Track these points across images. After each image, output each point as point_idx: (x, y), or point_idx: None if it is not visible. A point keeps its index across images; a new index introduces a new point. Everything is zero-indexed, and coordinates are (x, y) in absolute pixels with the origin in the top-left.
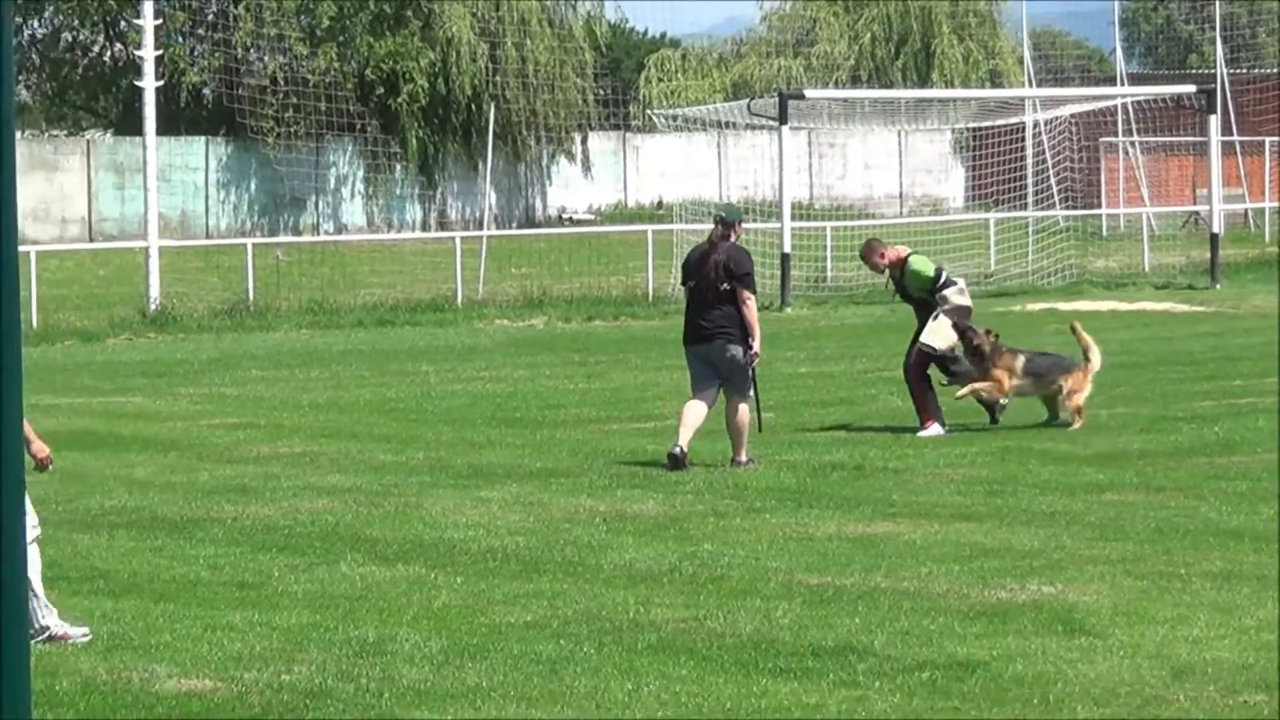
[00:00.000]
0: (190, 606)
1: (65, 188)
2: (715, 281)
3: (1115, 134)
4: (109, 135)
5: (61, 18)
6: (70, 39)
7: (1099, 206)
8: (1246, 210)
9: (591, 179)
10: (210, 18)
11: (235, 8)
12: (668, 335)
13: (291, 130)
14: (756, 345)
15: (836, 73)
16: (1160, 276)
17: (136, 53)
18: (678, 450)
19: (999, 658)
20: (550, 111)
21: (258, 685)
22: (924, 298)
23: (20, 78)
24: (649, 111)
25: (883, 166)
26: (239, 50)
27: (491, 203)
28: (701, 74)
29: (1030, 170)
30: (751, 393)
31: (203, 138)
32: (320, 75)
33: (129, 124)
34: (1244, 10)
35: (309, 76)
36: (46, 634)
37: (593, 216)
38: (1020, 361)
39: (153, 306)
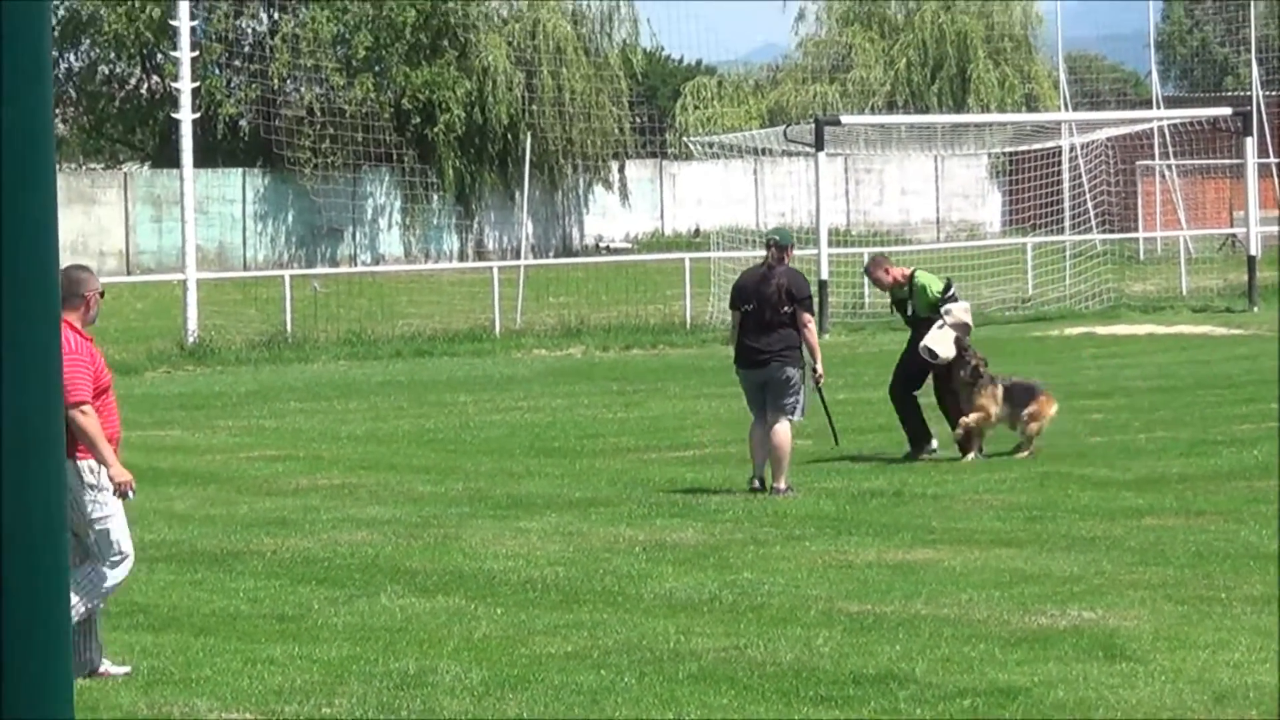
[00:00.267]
0: (230, 640)
1: (103, 221)
2: (777, 305)
3: (1152, 157)
4: (146, 168)
5: (98, 51)
6: (107, 72)
7: (1136, 230)
8: None
9: (629, 207)
10: (247, 49)
11: (272, 39)
12: (705, 363)
13: (328, 161)
14: (820, 367)
15: (872, 98)
16: (1198, 299)
17: (173, 85)
18: (757, 484)
19: (1040, 684)
20: (586, 140)
21: (298, 719)
22: (930, 315)
23: (57, 111)
24: (685, 139)
25: (919, 192)
26: (275, 81)
27: (528, 232)
28: (737, 101)
29: (1067, 194)
30: (796, 416)
31: (240, 169)
32: (357, 106)
33: (166, 156)
34: (1279, 33)
35: (345, 107)
36: (90, 668)
37: (630, 245)
38: (1000, 390)
39: (191, 339)
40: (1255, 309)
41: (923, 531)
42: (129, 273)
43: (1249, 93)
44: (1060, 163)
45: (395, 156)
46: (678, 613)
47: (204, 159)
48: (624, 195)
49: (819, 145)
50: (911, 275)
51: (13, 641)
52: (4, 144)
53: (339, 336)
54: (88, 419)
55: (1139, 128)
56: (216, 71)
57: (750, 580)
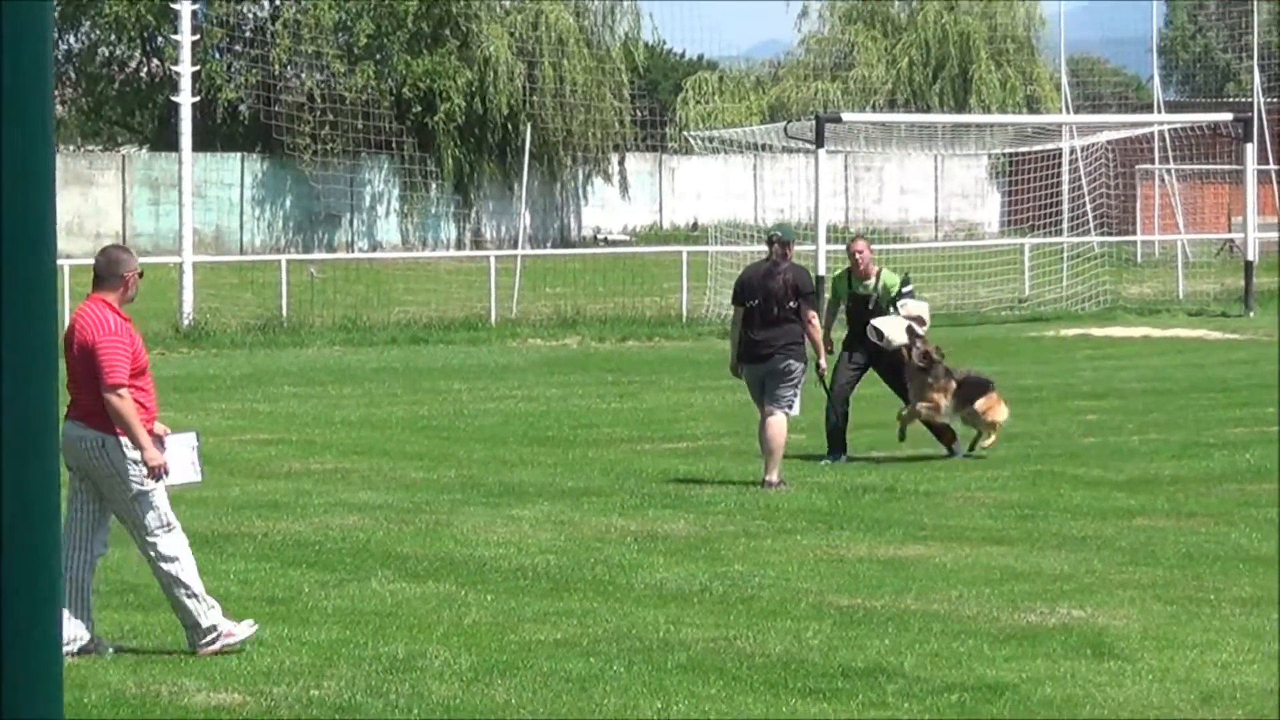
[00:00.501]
0: None
1: (100, 202)
2: (783, 300)
3: (1152, 161)
4: (144, 151)
5: (98, 33)
6: (107, 54)
7: (1134, 233)
8: None
9: (628, 200)
10: (248, 34)
11: (273, 25)
12: (701, 356)
13: (327, 147)
14: (824, 361)
15: (874, 97)
16: (1194, 303)
17: (173, 68)
18: (782, 486)
19: (1028, 681)
20: (586, 132)
21: (287, 700)
22: (885, 311)
23: (56, 92)
24: (685, 133)
25: (919, 191)
26: (276, 67)
27: (526, 222)
28: (738, 96)
29: (1066, 196)
30: (794, 411)
31: (238, 154)
32: (357, 93)
33: (164, 139)
34: None
35: (346, 94)
36: (215, 634)
37: (628, 237)
38: (953, 383)
39: (186, 322)
40: (1251, 314)
41: (914, 527)
42: None
43: (1250, 99)
44: (1060, 165)
45: (394, 144)
46: (668, 603)
47: (203, 143)
48: (623, 188)
49: (819, 142)
50: (879, 271)
51: (4, 642)
52: (3, 130)
53: (334, 322)
54: (123, 402)
55: (1139, 131)
56: (217, 56)
57: (741, 572)
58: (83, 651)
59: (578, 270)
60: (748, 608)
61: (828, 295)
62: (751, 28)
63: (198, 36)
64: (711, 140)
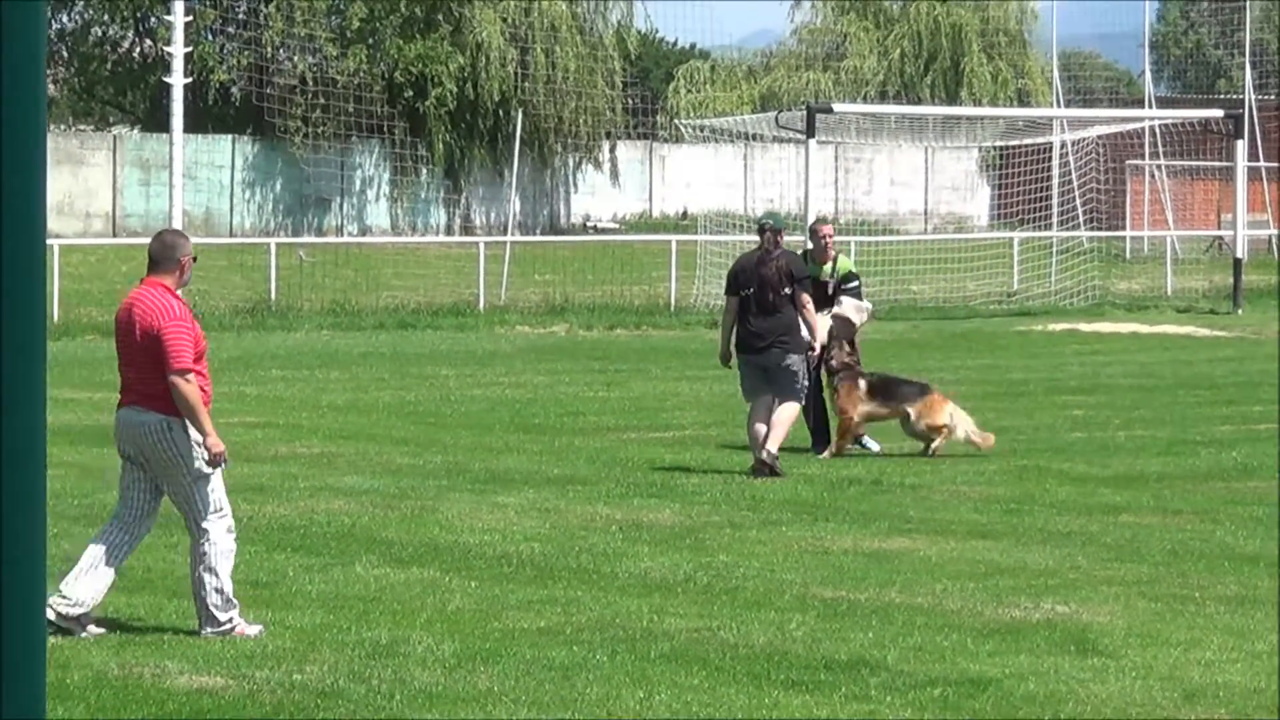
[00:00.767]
0: None
1: (90, 182)
2: (777, 286)
3: (1142, 156)
4: (136, 131)
5: (91, 12)
6: (100, 34)
7: (1123, 228)
8: (1271, 236)
9: (618, 187)
10: (240, 16)
11: (266, 7)
12: (689, 346)
13: (319, 131)
14: (818, 345)
15: (865, 88)
16: (1182, 300)
17: (166, 49)
18: (776, 470)
19: (1011, 676)
20: (578, 119)
21: (269, 684)
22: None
23: (48, 71)
24: (677, 121)
25: (908, 183)
26: (268, 49)
27: (516, 209)
28: (730, 86)
29: (1056, 190)
30: (802, 400)
31: (229, 136)
32: (349, 77)
33: (156, 120)
34: (1273, 37)
35: (338, 77)
36: (230, 628)
37: (617, 225)
38: (862, 387)
39: None
40: (1239, 311)
41: (900, 521)
42: (115, 235)
43: (1241, 96)
44: (1050, 159)
45: (385, 129)
46: (652, 592)
47: (194, 124)
48: (613, 176)
49: (810, 132)
50: (836, 255)
51: None
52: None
53: (323, 306)
54: (189, 387)
55: (1130, 127)
56: (209, 37)
57: (725, 563)
58: (71, 619)
59: (567, 258)
60: (732, 598)
61: None
62: (744, 17)
63: (190, 18)
64: (702, 129)
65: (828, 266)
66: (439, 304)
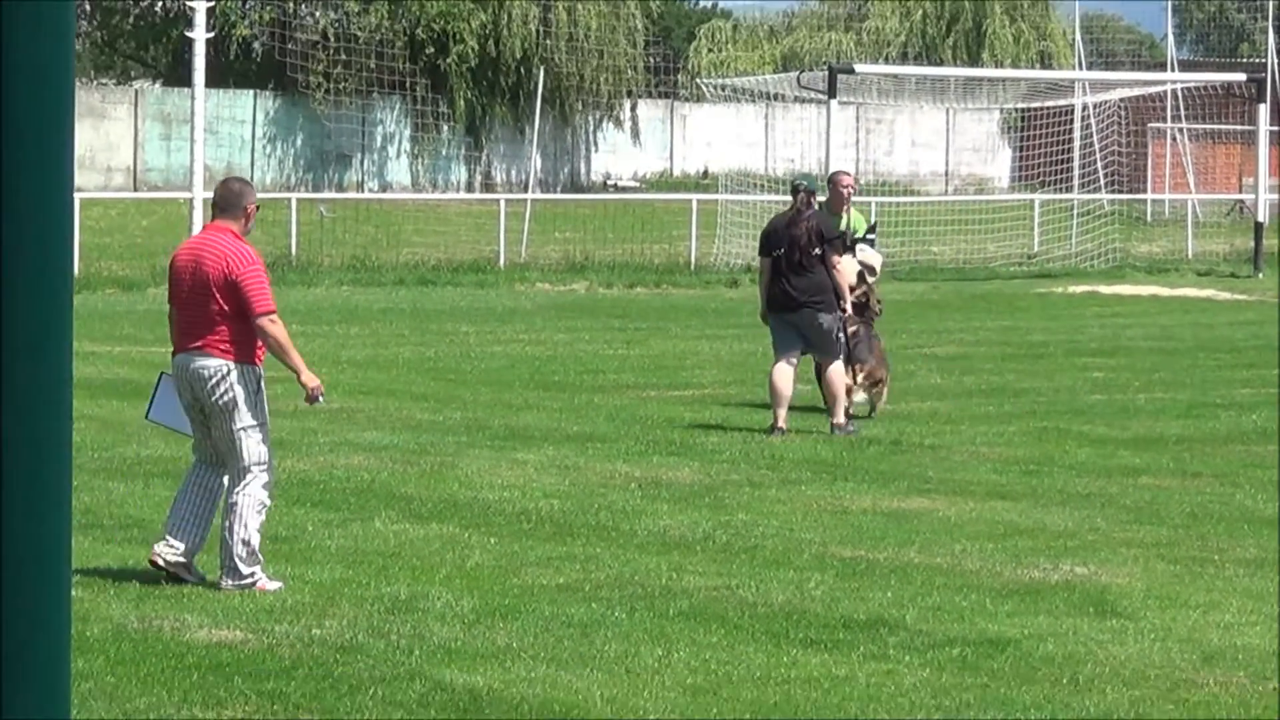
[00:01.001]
0: None
1: (111, 136)
2: (808, 246)
3: (1164, 120)
4: (157, 85)
5: None
6: None
7: (1144, 191)
8: None
9: (638, 146)
10: None
11: None
12: (708, 304)
13: (340, 87)
14: (848, 306)
15: (887, 49)
16: (1203, 263)
17: (188, 4)
18: (778, 433)
19: (1030, 636)
20: (599, 77)
21: (288, 638)
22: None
23: None
24: (698, 80)
25: (930, 144)
26: (290, 4)
27: (537, 166)
28: (752, 45)
29: (1077, 153)
30: (840, 357)
31: (251, 91)
32: (371, 33)
33: (178, 75)
34: None
35: (359, 33)
36: (252, 581)
37: (638, 184)
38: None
39: None
40: (1260, 275)
41: (919, 481)
42: (136, 189)
43: (1264, 60)
44: (1072, 121)
45: (407, 85)
46: (671, 550)
47: (215, 79)
48: (634, 134)
49: (831, 93)
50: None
51: (11, 639)
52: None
53: (343, 262)
54: (277, 327)
55: (1152, 90)
56: None
57: (744, 521)
58: (179, 565)
59: (587, 216)
60: (750, 557)
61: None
62: None
63: None
64: (724, 88)
65: (843, 218)
66: (459, 261)
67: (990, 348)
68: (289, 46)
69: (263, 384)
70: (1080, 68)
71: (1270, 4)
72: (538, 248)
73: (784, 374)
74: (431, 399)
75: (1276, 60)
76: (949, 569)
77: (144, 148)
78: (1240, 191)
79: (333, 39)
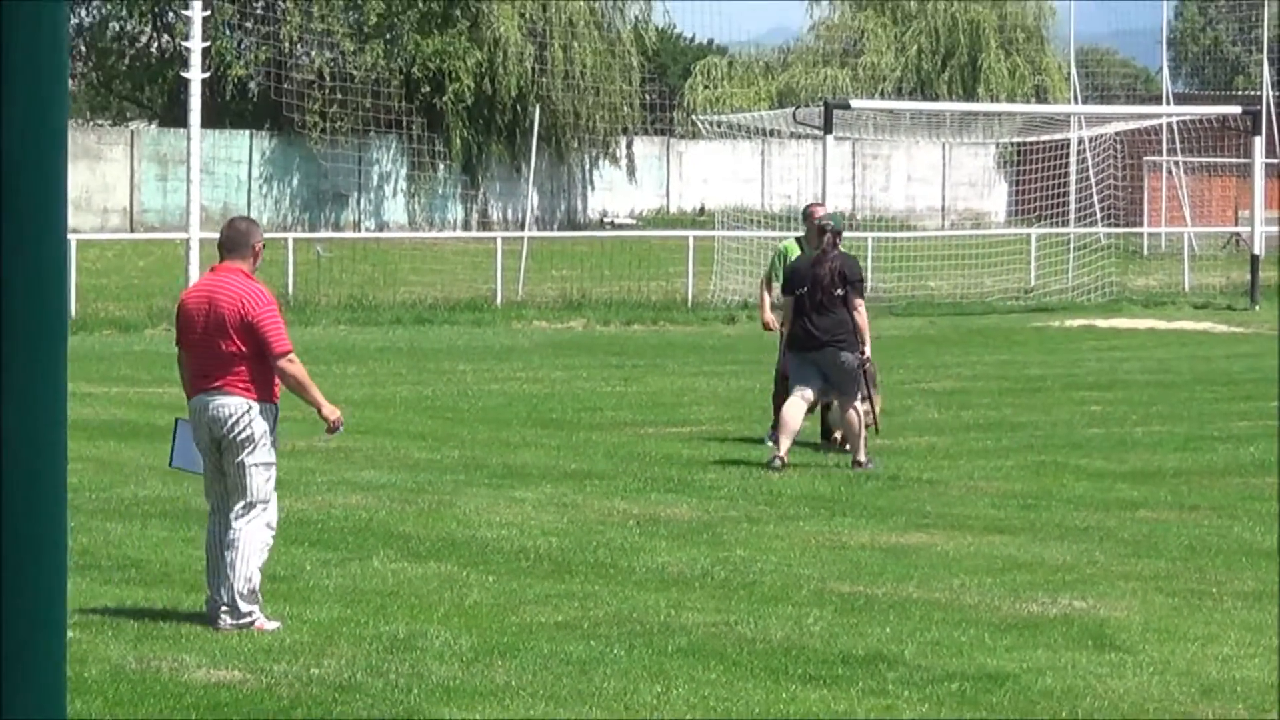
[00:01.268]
0: None
1: (108, 177)
2: (830, 287)
3: (1159, 153)
4: (153, 126)
5: (109, 7)
6: (118, 29)
7: (1141, 225)
8: None
9: (635, 183)
10: (258, 11)
11: (284, 2)
12: (705, 341)
13: (336, 126)
14: (868, 350)
15: (882, 84)
16: (1200, 296)
17: (183, 44)
18: (778, 462)
19: (1028, 670)
20: (595, 114)
21: (287, 678)
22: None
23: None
24: (694, 117)
25: (926, 179)
26: (286, 45)
27: (534, 204)
28: (747, 82)
29: (1073, 187)
30: (860, 398)
31: (247, 131)
32: (366, 72)
33: (173, 115)
34: None
35: (355, 73)
36: (251, 620)
37: (634, 221)
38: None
39: None
40: (1257, 307)
41: (917, 516)
42: (132, 230)
43: (1259, 92)
44: (1068, 155)
45: (403, 124)
46: (669, 587)
47: (212, 119)
48: (630, 171)
49: (827, 128)
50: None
51: (7, 642)
52: (17, 103)
53: (340, 301)
54: (295, 366)
55: (1148, 123)
56: (227, 32)
57: (743, 558)
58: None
59: (584, 253)
60: (749, 593)
61: (767, 272)
62: (761, 13)
63: (209, 12)
64: (720, 125)
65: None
66: (456, 299)
67: (987, 382)
68: (285, 86)
69: (277, 422)
70: (1076, 101)
71: (1265, 37)
72: (535, 285)
73: (796, 407)
74: (429, 437)
75: (1272, 93)
76: (947, 604)
77: (140, 189)
78: (1236, 224)
79: (328, 78)
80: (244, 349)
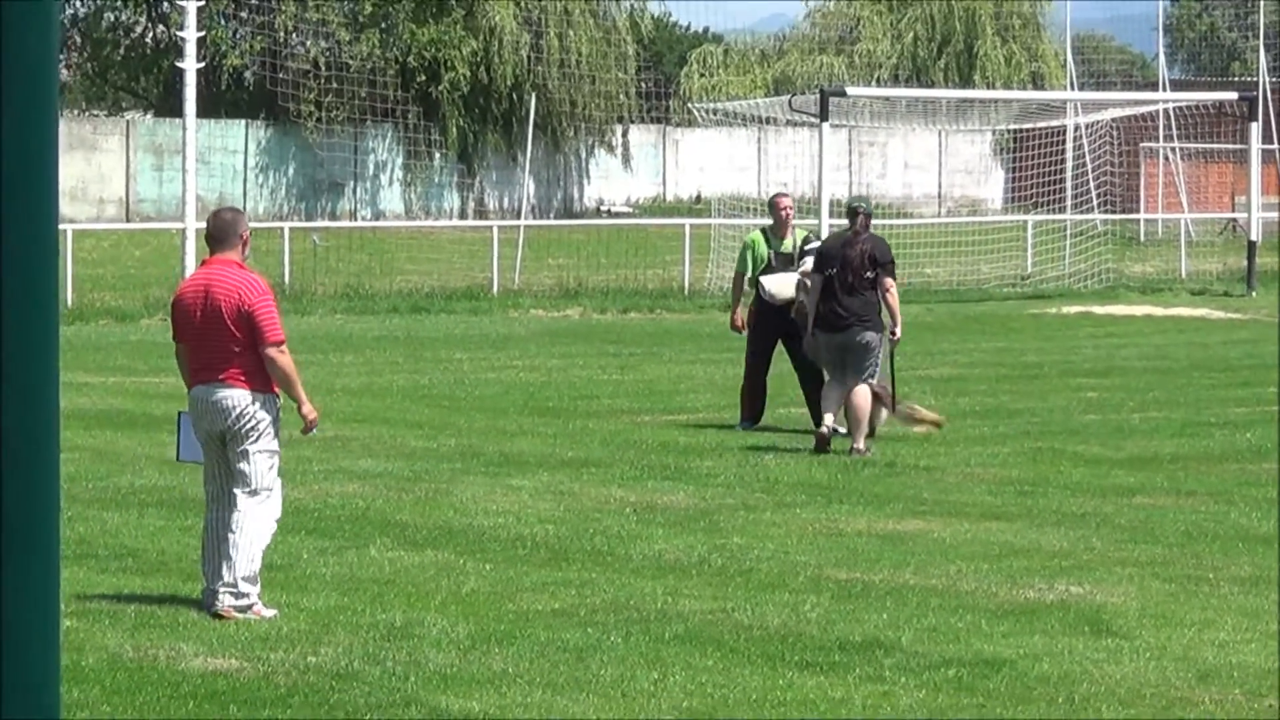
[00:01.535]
0: None
1: (103, 168)
2: (860, 269)
3: (1156, 139)
4: (149, 116)
5: None
6: (112, 19)
7: (1137, 211)
8: None
9: (631, 171)
10: (253, 1)
11: None
12: (702, 329)
13: (332, 116)
14: (899, 330)
15: (878, 71)
16: (1197, 282)
17: (178, 34)
18: (825, 430)
19: (1025, 656)
20: (591, 103)
21: (284, 666)
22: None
23: (61, 56)
24: (690, 105)
25: (922, 167)
26: (281, 34)
27: (530, 193)
28: (743, 70)
29: (1070, 173)
30: (875, 380)
31: (243, 121)
32: (362, 61)
33: (169, 105)
34: None
35: (350, 62)
36: (248, 604)
37: (631, 209)
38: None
39: None
40: (1254, 293)
41: (914, 502)
42: (128, 220)
43: (1255, 79)
44: (1064, 142)
45: (399, 113)
46: (666, 574)
47: (207, 109)
48: (626, 159)
49: (823, 116)
50: (794, 229)
51: (2, 642)
52: (5, 90)
53: (336, 290)
54: (285, 358)
55: (1144, 109)
56: (222, 22)
57: (740, 545)
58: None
59: (580, 241)
60: (746, 580)
61: (737, 269)
62: (757, 1)
63: (203, 2)
64: (716, 113)
65: (789, 240)
66: (453, 288)
67: (984, 369)
68: (280, 76)
69: (280, 412)
70: (1072, 88)
71: (1261, 23)
72: (531, 274)
73: (839, 391)
74: (426, 426)
75: (1268, 79)
76: (944, 590)
77: (136, 179)
78: (1233, 210)
79: (324, 68)
80: (244, 339)
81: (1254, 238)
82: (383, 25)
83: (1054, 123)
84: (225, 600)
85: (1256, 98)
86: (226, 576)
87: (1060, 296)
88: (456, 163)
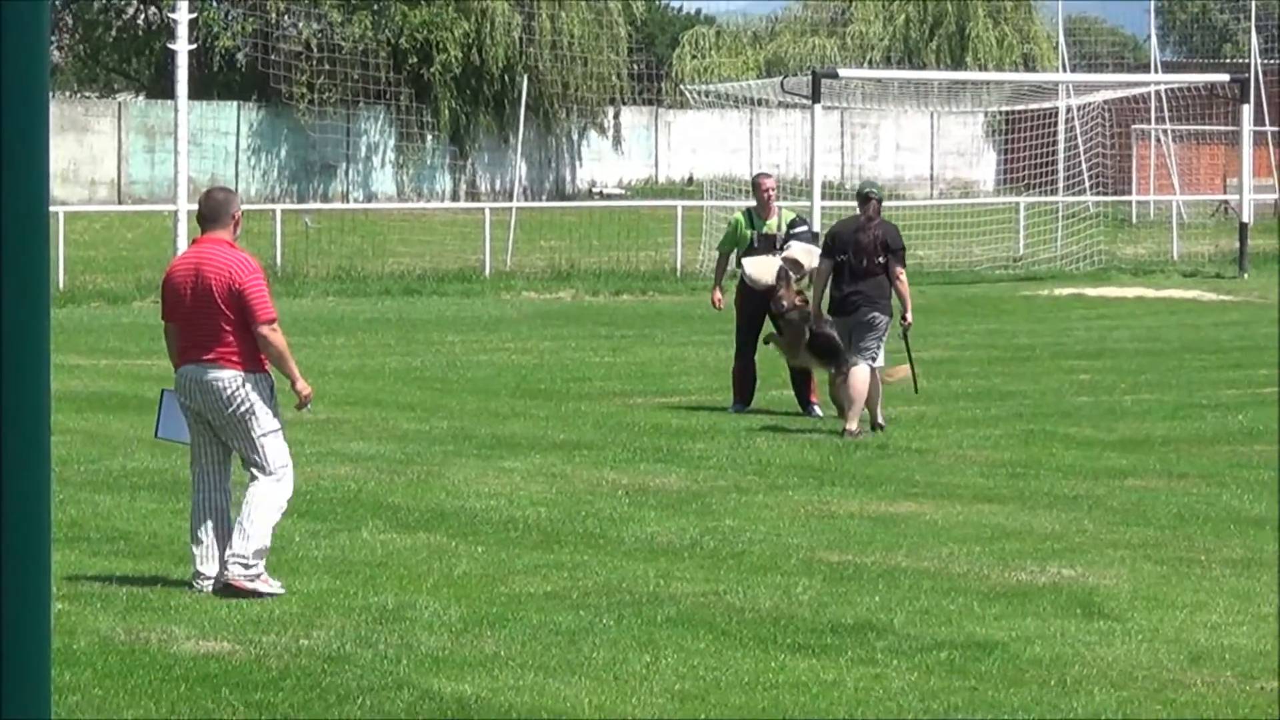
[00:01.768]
0: None
1: (95, 149)
2: (872, 254)
3: (1148, 121)
4: (140, 98)
5: None
6: (104, 1)
7: (1129, 193)
8: (1277, 201)
9: (623, 153)
10: None
11: None
12: (694, 311)
13: (324, 97)
14: (910, 316)
15: (870, 53)
16: (1188, 264)
17: (170, 15)
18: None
19: (1017, 639)
20: (583, 85)
21: (276, 649)
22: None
23: (52, 38)
24: (682, 86)
25: (914, 148)
26: (273, 15)
27: (522, 174)
28: (735, 51)
29: (1062, 155)
30: (878, 361)
31: (235, 102)
32: (354, 43)
33: (161, 87)
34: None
35: (342, 44)
36: (257, 574)
37: (623, 191)
38: (806, 336)
39: None
40: (1245, 275)
41: (906, 485)
42: (120, 202)
43: (1247, 60)
44: (1056, 124)
45: (391, 95)
46: (658, 557)
47: (199, 91)
48: (618, 141)
49: (815, 98)
50: (780, 210)
51: None
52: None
53: (329, 272)
54: (277, 335)
55: (1136, 91)
56: (214, 4)
57: (732, 527)
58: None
59: (572, 223)
60: (738, 563)
61: (718, 248)
62: None
63: None
64: (708, 94)
65: (773, 221)
66: (445, 270)
67: (976, 351)
68: (272, 57)
69: (274, 390)
70: (1064, 70)
71: (1253, 5)
72: (523, 256)
73: (861, 375)
74: (418, 408)
75: (1260, 61)
76: (936, 572)
77: (128, 160)
78: (1225, 192)
79: (316, 49)
80: (235, 319)
81: (1246, 220)
82: (375, 7)
83: (1046, 104)
84: (235, 570)
85: (1248, 79)
86: (238, 548)
87: (1052, 278)
88: (448, 144)
